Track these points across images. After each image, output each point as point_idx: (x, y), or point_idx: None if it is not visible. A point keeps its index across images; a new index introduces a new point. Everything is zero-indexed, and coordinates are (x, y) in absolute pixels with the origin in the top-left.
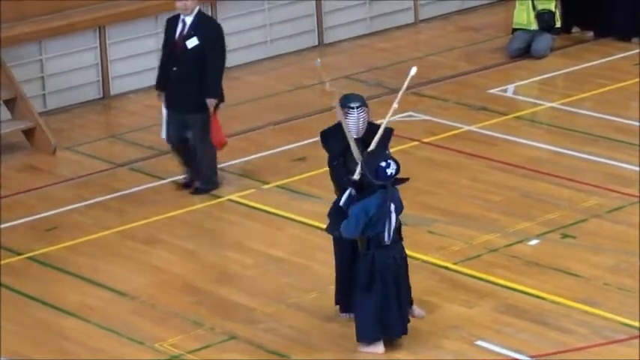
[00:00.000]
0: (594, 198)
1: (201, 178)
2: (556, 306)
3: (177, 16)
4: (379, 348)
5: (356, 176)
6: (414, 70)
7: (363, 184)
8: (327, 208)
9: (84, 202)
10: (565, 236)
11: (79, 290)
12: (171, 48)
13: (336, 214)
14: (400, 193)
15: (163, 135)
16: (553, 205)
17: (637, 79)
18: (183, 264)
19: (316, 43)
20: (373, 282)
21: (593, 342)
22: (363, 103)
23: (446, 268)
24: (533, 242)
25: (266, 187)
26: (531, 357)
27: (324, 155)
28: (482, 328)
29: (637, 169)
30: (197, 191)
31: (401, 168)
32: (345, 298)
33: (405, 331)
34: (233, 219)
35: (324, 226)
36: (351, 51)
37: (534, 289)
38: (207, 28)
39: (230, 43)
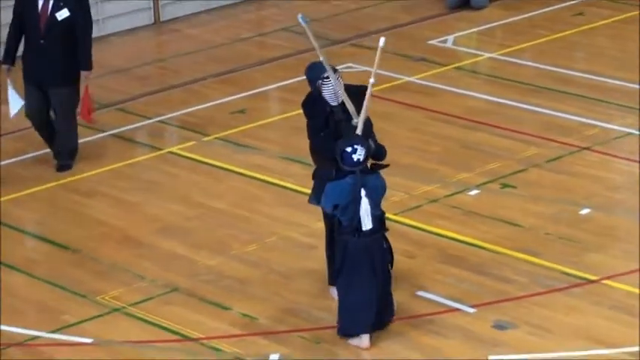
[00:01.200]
0: (534, 148)
1: (64, 152)
2: (496, 255)
3: None
4: (363, 342)
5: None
6: (382, 41)
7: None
8: (266, 160)
9: (24, 155)
10: (505, 186)
11: (22, 244)
12: (35, 21)
13: (319, 187)
14: None
15: (14, 112)
16: (493, 155)
17: (576, 30)
18: (124, 216)
19: None
20: (344, 269)
21: (534, 291)
22: (333, 70)
23: (387, 218)
24: (474, 192)
25: (206, 139)
26: (472, 306)
27: (263, 107)
28: (423, 279)
29: (577, 118)
30: (62, 168)
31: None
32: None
33: (374, 327)
34: (174, 171)
35: (264, 178)
36: (289, 4)
37: (475, 238)
38: None
39: None
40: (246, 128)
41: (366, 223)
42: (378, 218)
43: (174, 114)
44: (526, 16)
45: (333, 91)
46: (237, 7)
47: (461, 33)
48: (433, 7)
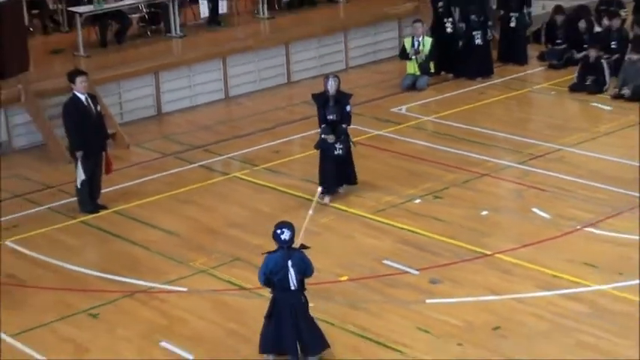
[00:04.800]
0: (454, 174)
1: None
2: (431, 239)
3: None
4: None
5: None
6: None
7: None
8: (294, 182)
9: (146, 177)
10: (436, 197)
11: (143, 231)
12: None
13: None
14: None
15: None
16: (429, 178)
17: (480, 103)
18: (206, 215)
19: (286, 81)
20: (272, 315)
21: (453, 260)
22: (335, 76)
23: (364, 216)
24: (417, 201)
25: (256, 168)
26: (417, 270)
27: (291, 149)
28: (387, 252)
29: (480, 157)
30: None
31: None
32: (332, 182)
33: (296, 355)
34: (237, 188)
35: (292, 192)
36: (308, 85)
37: (419, 229)
38: None
39: (237, 81)
40: (280, 162)
41: (292, 285)
42: (301, 281)
43: (237, 153)
44: (450, 94)
45: (331, 84)
46: (276, 88)
47: (410, 104)
48: (393, 89)
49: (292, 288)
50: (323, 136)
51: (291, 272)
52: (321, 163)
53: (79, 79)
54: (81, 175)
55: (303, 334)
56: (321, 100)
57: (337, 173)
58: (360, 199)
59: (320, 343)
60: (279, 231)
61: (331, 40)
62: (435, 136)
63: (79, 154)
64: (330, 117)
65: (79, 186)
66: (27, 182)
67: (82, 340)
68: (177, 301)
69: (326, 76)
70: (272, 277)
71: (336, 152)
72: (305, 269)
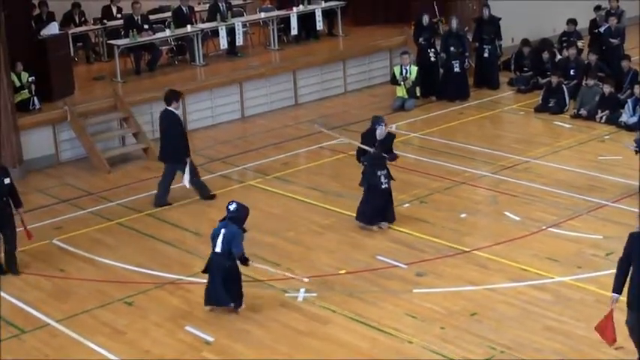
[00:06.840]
0: (437, 182)
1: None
2: (418, 237)
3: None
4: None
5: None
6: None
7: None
8: (300, 189)
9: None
10: (422, 202)
11: (171, 231)
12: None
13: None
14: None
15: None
16: (416, 186)
17: (458, 122)
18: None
19: (293, 103)
20: (208, 272)
21: (436, 256)
22: (384, 121)
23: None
24: (406, 205)
25: (268, 177)
26: (406, 264)
27: (297, 161)
28: (379, 249)
29: (459, 167)
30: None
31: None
32: (376, 215)
33: (220, 305)
34: (251, 194)
35: (297, 197)
36: (312, 107)
37: (407, 229)
38: None
39: (252, 103)
40: (288, 172)
41: (217, 248)
42: (227, 249)
43: (252, 164)
44: (433, 114)
45: (381, 130)
46: (284, 109)
47: (400, 123)
48: (385, 109)
49: (217, 250)
50: (364, 149)
51: (220, 238)
52: (369, 199)
53: (180, 98)
54: (189, 176)
55: (226, 289)
56: (369, 139)
57: (382, 208)
58: (357, 203)
59: (230, 298)
60: (229, 205)
61: (332, 68)
62: (421, 149)
63: (188, 159)
64: None
65: (187, 186)
66: (71, 189)
67: (118, 325)
68: (200, 292)
69: (377, 121)
70: (212, 239)
71: (382, 187)
72: (231, 243)
